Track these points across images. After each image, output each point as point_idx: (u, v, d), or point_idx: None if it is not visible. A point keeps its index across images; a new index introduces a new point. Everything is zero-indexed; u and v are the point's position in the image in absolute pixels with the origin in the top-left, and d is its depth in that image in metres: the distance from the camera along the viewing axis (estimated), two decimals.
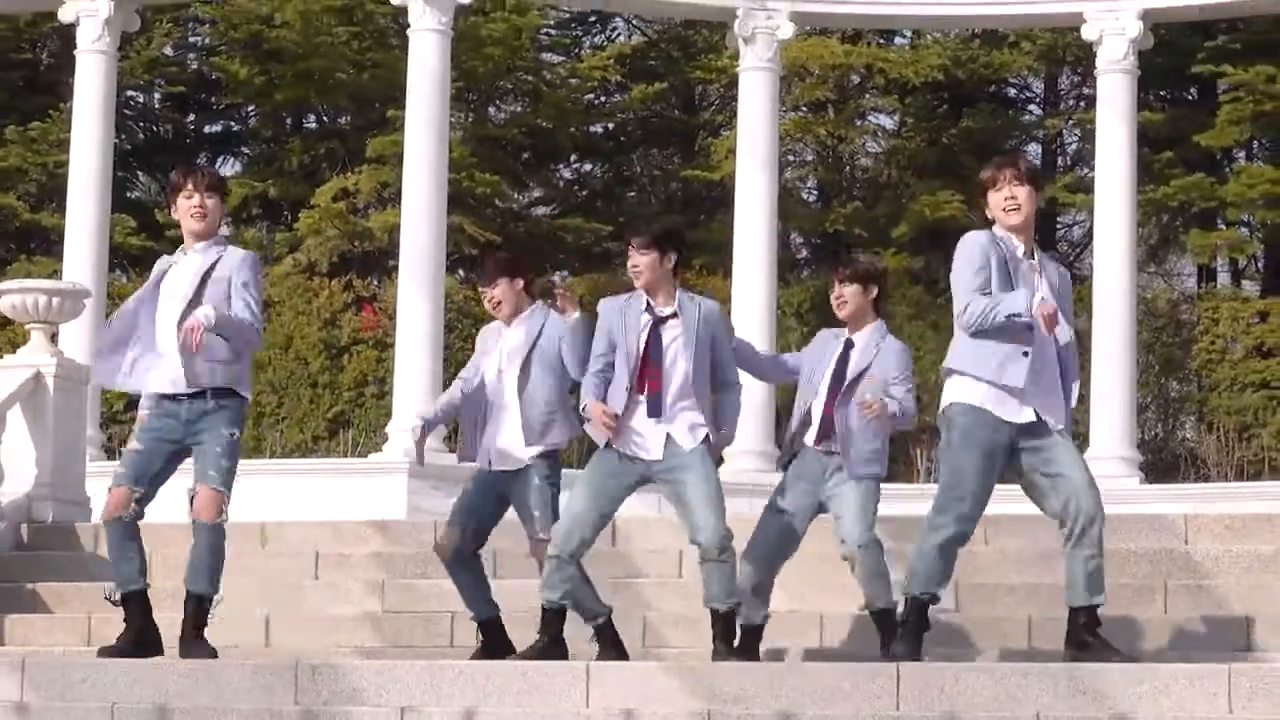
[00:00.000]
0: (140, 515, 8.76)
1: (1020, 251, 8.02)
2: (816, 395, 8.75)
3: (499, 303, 8.95)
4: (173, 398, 8.61)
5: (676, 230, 8.89)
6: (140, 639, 8.75)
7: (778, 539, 8.78)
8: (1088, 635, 7.99)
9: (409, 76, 18.68)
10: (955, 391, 8.04)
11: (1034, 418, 7.96)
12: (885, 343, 8.78)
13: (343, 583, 10.67)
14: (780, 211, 20.15)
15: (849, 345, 8.79)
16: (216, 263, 8.68)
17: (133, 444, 8.74)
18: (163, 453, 8.69)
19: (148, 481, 8.73)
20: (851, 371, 8.71)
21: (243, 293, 8.63)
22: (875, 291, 8.83)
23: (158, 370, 8.61)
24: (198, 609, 8.75)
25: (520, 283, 9.02)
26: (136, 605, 8.80)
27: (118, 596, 8.83)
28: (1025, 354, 7.91)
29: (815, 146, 24.61)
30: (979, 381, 7.97)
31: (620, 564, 10.57)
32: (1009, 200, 8.02)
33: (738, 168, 19.62)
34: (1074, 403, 8.12)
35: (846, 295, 8.78)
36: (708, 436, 8.54)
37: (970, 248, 8.00)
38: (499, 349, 8.97)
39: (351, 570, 10.90)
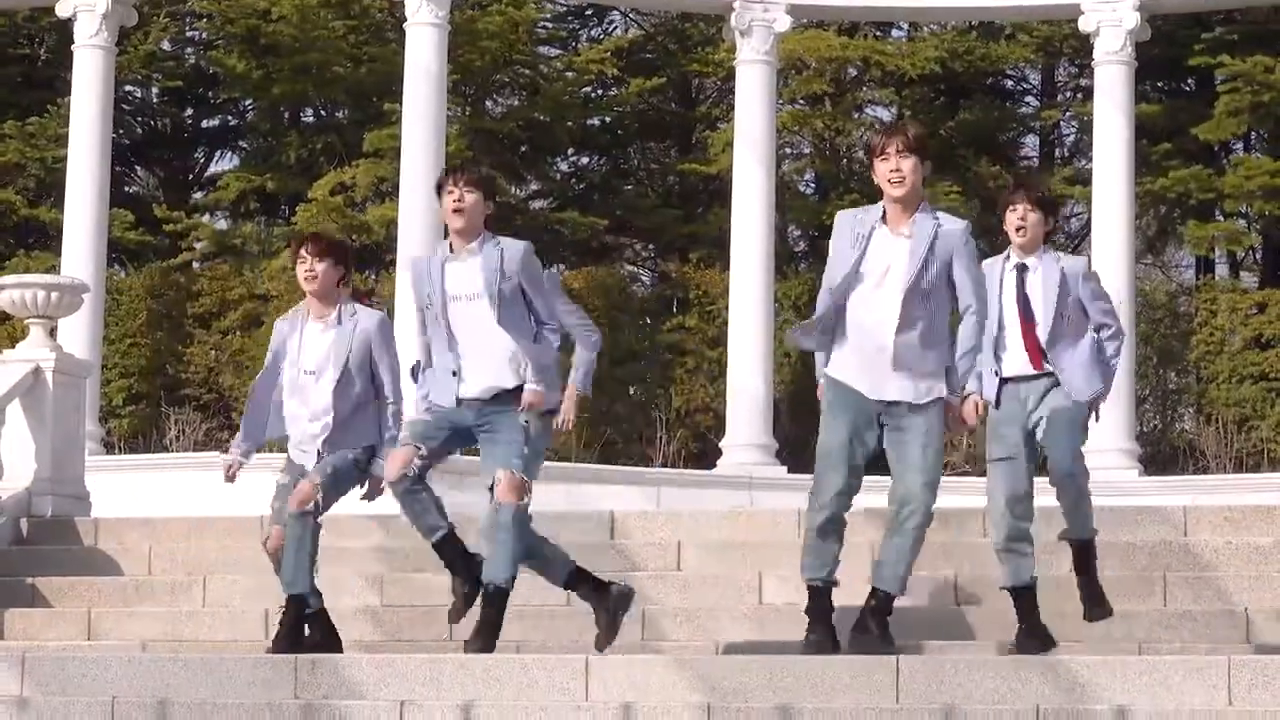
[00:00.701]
0: (422, 472, 8.40)
1: (882, 218, 7.99)
2: (1003, 327, 8.53)
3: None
4: (466, 400, 8.42)
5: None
6: (470, 572, 8.45)
7: (1009, 484, 8.49)
8: (874, 620, 7.99)
9: (406, 70, 18.67)
10: (831, 363, 8.05)
11: (894, 395, 7.93)
12: (1066, 262, 8.61)
13: (343, 577, 10.66)
14: (778, 204, 20.15)
15: (1023, 269, 8.57)
16: (502, 257, 8.46)
17: (420, 415, 8.50)
18: (446, 427, 8.44)
19: (430, 448, 8.43)
20: (1042, 297, 8.50)
21: (539, 295, 8.49)
22: (1051, 224, 8.70)
23: (463, 379, 8.41)
24: (498, 600, 8.38)
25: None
26: (450, 549, 8.49)
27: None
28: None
29: (812, 139, 24.58)
30: (845, 353, 7.97)
31: (619, 558, 10.57)
32: (894, 172, 7.99)
33: (735, 161, 19.61)
34: (972, 368, 8.09)
35: (1030, 222, 8.59)
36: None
37: (836, 226, 8.11)
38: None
39: (351, 564, 10.90)
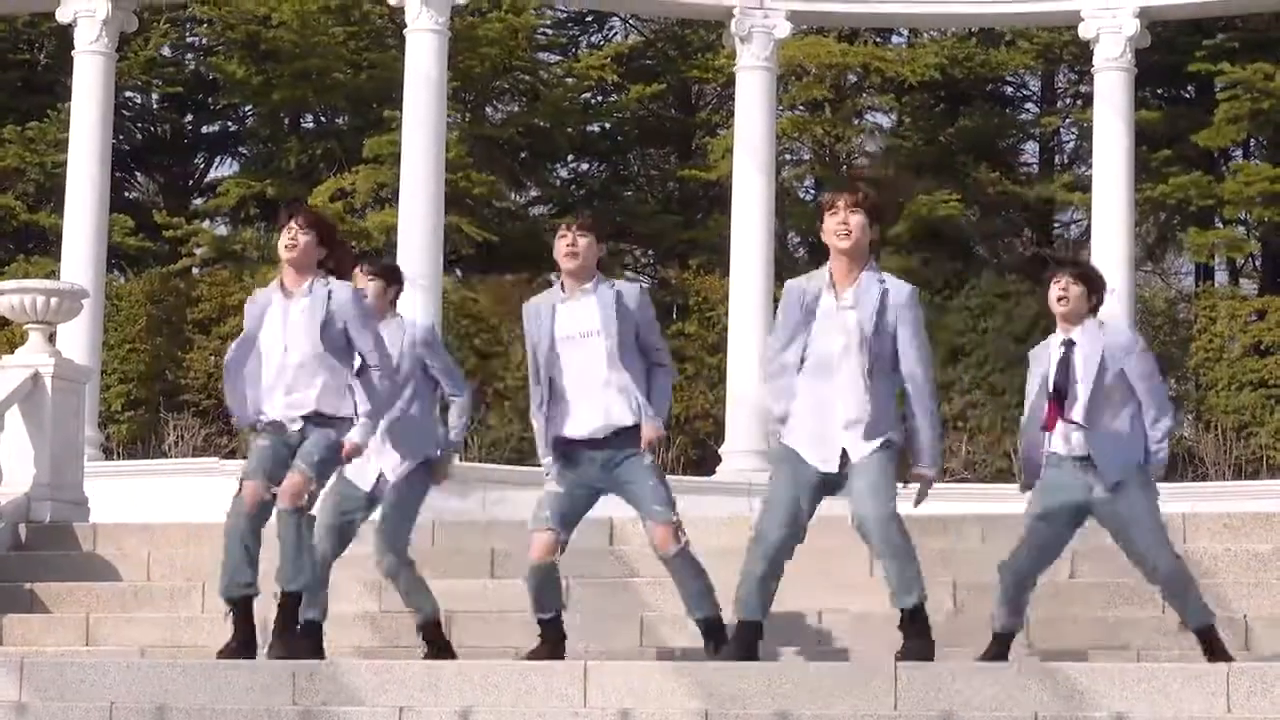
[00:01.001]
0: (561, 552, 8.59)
1: (829, 282, 8.08)
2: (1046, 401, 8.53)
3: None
4: (588, 441, 8.47)
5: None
6: (555, 648, 8.60)
7: (1039, 552, 8.55)
8: (910, 632, 8.04)
9: (406, 76, 18.68)
10: (785, 433, 8.13)
11: (835, 469, 8.00)
12: (1108, 338, 8.55)
13: (341, 582, 10.63)
14: (777, 210, 20.17)
15: (1070, 345, 8.52)
16: (619, 298, 8.60)
17: (553, 485, 8.54)
18: (583, 500, 8.56)
19: (571, 526, 8.56)
20: (1082, 371, 8.45)
21: (653, 335, 8.62)
22: (1096, 301, 8.63)
23: (574, 417, 8.45)
24: (715, 630, 8.55)
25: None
26: (556, 626, 8.60)
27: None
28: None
29: (812, 145, 24.59)
30: (798, 422, 8.06)
31: (618, 564, 10.57)
32: (841, 225, 8.07)
33: (735, 167, 19.62)
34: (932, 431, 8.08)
35: (1071, 294, 8.57)
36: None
37: (785, 295, 8.22)
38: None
39: (349, 570, 10.87)
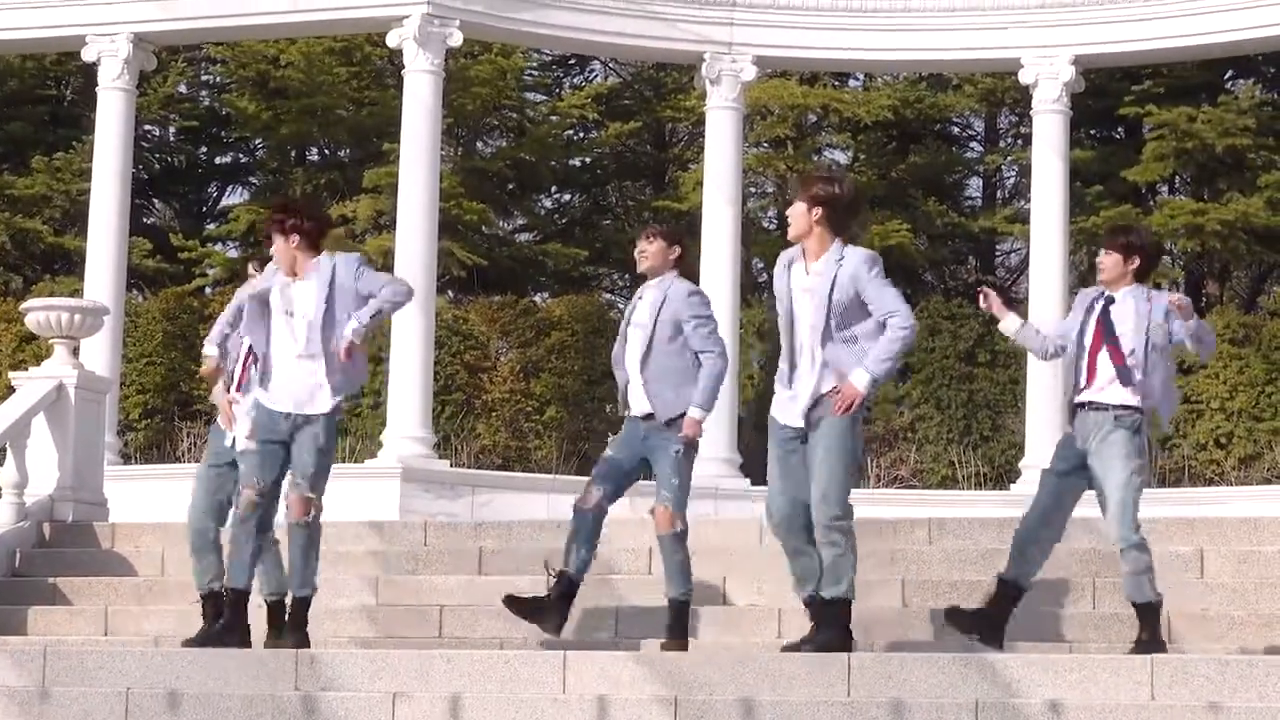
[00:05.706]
0: (604, 512, 8.83)
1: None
2: (1083, 350, 8.58)
3: None
4: (637, 417, 8.85)
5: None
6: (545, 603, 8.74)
7: (1044, 503, 8.60)
8: (815, 621, 8.13)
9: (404, 113, 18.66)
10: None
11: (798, 422, 8.14)
12: (1153, 298, 8.62)
13: (340, 578, 10.65)
14: (743, 239, 20.17)
15: (1109, 300, 8.62)
16: (667, 295, 8.85)
17: (609, 451, 8.93)
18: (631, 459, 8.85)
19: (614, 486, 8.83)
20: (1118, 326, 8.54)
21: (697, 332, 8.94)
22: (1136, 263, 8.66)
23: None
24: (679, 610, 8.77)
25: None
26: (564, 588, 8.78)
27: (556, 569, 8.84)
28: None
29: (775, 179, 24.62)
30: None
31: (595, 562, 10.53)
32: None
33: (704, 199, 19.63)
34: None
35: (1108, 264, 8.65)
36: None
37: None
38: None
39: (349, 567, 10.88)
